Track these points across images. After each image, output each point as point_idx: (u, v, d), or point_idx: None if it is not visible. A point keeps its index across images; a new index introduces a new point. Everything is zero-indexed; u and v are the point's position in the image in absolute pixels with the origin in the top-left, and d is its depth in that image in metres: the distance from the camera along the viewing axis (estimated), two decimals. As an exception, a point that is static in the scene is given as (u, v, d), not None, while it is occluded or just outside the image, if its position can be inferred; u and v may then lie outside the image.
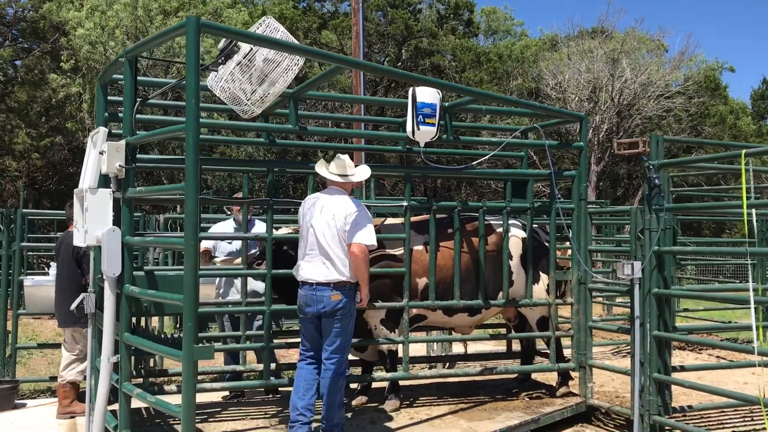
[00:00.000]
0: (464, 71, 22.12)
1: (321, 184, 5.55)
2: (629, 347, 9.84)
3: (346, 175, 5.13)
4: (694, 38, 52.08)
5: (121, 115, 5.07)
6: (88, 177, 4.50)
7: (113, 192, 4.45)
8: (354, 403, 6.02)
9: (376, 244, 5.01)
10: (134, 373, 6.06)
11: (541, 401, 6.29)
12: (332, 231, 4.89)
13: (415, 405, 6.11)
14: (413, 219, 6.01)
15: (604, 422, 6.38)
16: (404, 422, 5.59)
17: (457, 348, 8.57)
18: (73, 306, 4.93)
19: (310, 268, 4.94)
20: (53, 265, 7.18)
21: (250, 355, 7.44)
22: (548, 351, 6.91)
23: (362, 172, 5.26)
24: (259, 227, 6.84)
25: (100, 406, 4.24)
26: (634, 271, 5.65)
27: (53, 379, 7.55)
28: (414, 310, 5.97)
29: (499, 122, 16.04)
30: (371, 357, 6.19)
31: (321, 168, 5.21)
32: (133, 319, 4.86)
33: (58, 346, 8.67)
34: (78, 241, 4.71)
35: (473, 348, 8.66)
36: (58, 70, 20.24)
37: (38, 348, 8.49)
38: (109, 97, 5.15)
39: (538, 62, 25.42)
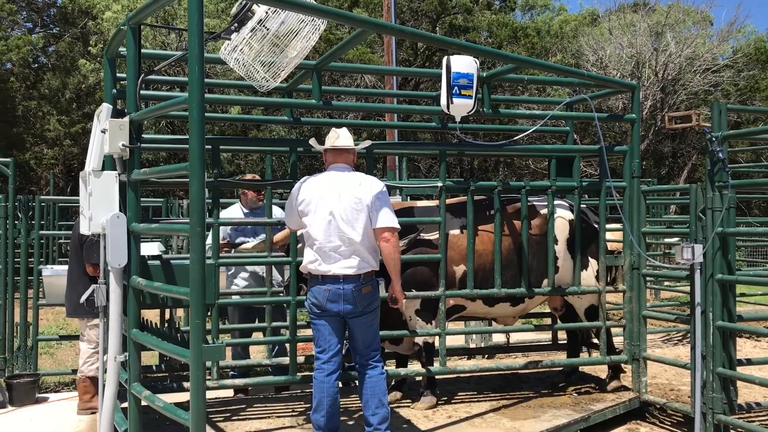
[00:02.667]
0: (501, 47, 21.40)
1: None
2: (681, 335, 9.33)
3: (352, 147, 4.56)
4: (743, 8, 49.77)
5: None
6: (92, 159, 4.12)
7: (119, 175, 4.06)
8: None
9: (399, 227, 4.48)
10: (156, 368, 5.78)
11: (591, 397, 5.80)
12: (360, 215, 4.33)
13: (453, 401, 5.67)
14: (449, 201, 5.53)
15: (659, 419, 5.87)
16: (442, 421, 5.15)
17: (498, 338, 8.11)
18: (83, 298, 4.58)
19: (332, 260, 4.33)
20: (74, 253, 6.90)
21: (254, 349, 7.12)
22: (596, 341, 6.42)
23: (362, 142, 4.78)
24: (275, 213, 6.43)
25: (108, 409, 3.89)
26: (695, 255, 5.11)
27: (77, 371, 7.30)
28: (452, 300, 5.51)
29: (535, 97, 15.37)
30: (407, 350, 5.74)
31: (318, 142, 4.66)
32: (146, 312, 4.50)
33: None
34: (83, 228, 4.34)
35: (515, 338, 8.19)
36: (87, 55, 20.11)
37: (60, 340, 8.23)
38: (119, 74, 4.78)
39: (578, 38, 24.49)
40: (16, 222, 6.94)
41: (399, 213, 5.43)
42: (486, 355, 7.44)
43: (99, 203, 3.99)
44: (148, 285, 3.70)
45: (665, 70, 23.23)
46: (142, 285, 3.70)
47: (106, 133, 3.83)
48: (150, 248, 5.12)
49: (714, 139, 5.09)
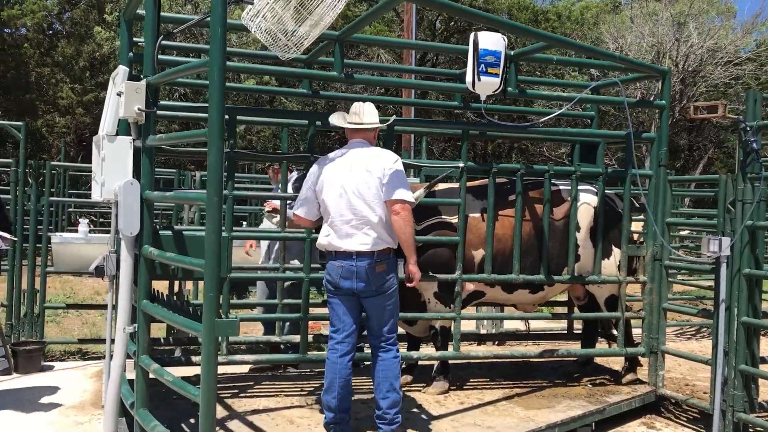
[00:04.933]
0: (520, 32, 21.10)
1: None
2: (694, 329, 9.16)
3: (364, 123, 4.35)
4: (768, 1, 48.75)
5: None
6: (107, 123, 3.99)
7: (133, 140, 3.93)
8: (397, 382, 5.48)
9: (415, 202, 4.27)
10: (164, 340, 5.68)
11: (606, 389, 5.67)
12: (371, 189, 4.15)
13: (465, 388, 5.55)
14: (470, 184, 5.38)
15: (675, 414, 5.74)
16: (454, 407, 5.03)
17: (509, 325, 7.98)
18: (93, 266, 4.47)
19: (345, 236, 4.17)
20: (83, 221, 6.80)
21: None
22: (615, 332, 6.31)
23: (375, 117, 4.44)
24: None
25: (115, 381, 3.78)
26: (721, 248, 4.96)
27: (83, 341, 7.22)
28: (472, 286, 5.37)
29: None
30: (421, 332, 5.62)
31: (337, 118, 4.49)
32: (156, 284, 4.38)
33: (91, 306, 8.37)
34: (95, 195, 4.22)
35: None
36: (102, 23, 19.92)
37: (66, 308, 8.14)
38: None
39: (599, 25, 24.12)
40: (26, 188, 6.84)
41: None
42: (496, 342, 7.31)
43: (112, 169, 3.86)
44: (161, 255, 3.57)
45: (686, 61, 22.85)
46: (154, 255, 3.58)
47: (122, 96, 3.69)
48: None
49: (748, 128, 4.92)
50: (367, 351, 4.92)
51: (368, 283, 4.17)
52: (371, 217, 4.15)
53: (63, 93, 21.38)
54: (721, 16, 23.75)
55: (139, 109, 3.65)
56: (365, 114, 4.36)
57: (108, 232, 7.78)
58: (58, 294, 10.56)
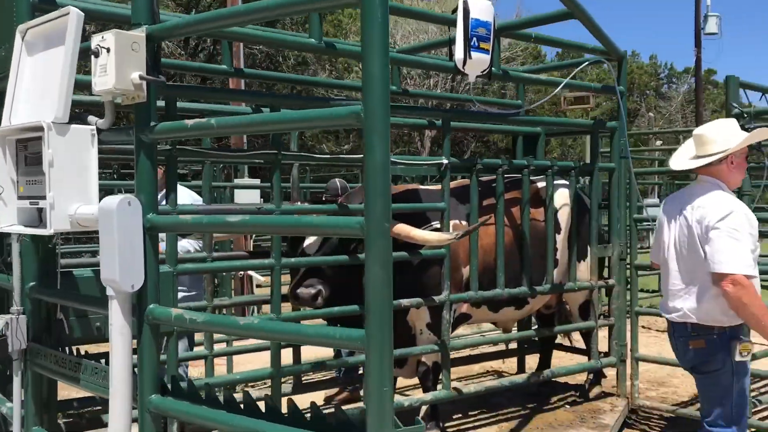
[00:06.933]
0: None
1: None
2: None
3: (707, 155, 3.31)
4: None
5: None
6: (53, 101, 2.37)
7: (95, 132, 2.39)
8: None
9: (754, 272, 3.14)
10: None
11: (587, 408, 5.15)
12: (687, 248, 3.28)
13: (451, 428, 4.60)
14: (453, 184, 4.44)
15: (638, 421, 5.37)
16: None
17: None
18: (-13, 338, 2.77)
19: (666, 298, 3.44)
20: None
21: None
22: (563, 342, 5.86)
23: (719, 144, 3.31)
24: (181, 196, 4.78)
25: None
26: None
27: None
28: (464, 307, 4.45)
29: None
30: (411, 375, 4.53)
31: (676, 160, 3.54)
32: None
33: None
34: (9, 224, 2.55)
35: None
36: None
37: None
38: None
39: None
40: None
41: (401, 197, 4.30)
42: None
43: (66, 180, 2.30)
44: (213, 322, 2.08)
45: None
46: (197, 322, 2.09)
47: (101, 57, 2.16)
48: None
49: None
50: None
51: (684, 360, 3.45)
52: (686, 281, 3.31)
53: None
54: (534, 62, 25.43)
55: (139, 76, 2.15)
56: (706, 142, 3.34)
57: None
58: None
